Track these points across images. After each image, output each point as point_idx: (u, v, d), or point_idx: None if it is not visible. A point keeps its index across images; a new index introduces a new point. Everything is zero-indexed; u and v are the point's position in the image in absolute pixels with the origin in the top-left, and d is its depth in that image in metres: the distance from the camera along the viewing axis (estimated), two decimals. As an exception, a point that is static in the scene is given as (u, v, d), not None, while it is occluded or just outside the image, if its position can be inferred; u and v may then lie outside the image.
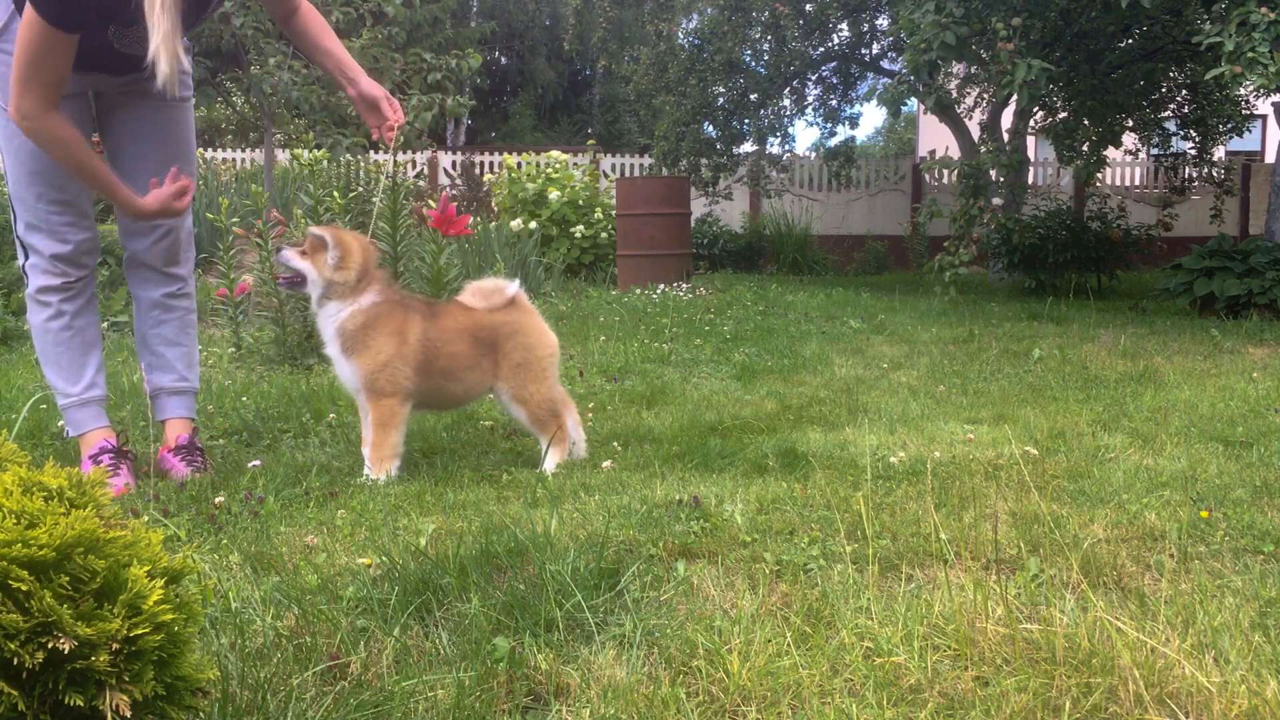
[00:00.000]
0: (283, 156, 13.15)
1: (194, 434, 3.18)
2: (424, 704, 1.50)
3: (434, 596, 1.89)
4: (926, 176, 15.22)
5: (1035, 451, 3.17)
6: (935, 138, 18.25)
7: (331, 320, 3.02)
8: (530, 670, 1.60)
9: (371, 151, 10.60)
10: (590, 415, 3.86)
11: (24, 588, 1.07)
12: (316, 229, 3.06)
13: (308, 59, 3.16)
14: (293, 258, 3.06)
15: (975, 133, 12.46)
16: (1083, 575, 2.00)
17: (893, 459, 3.06)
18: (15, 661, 1.07)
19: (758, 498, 2.63)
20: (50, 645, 1.07)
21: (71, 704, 1.08)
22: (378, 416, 2.99)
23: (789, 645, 1.64)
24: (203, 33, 9.06)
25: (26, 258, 3.02)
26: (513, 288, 3.19)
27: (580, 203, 11.50)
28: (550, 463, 3.06)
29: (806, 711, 1.47)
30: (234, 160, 15.57)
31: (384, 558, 2.12)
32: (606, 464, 3.04)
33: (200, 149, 14.60)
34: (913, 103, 15.74)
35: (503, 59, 27.80)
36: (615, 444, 3.34)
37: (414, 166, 15.53)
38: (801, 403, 4.11)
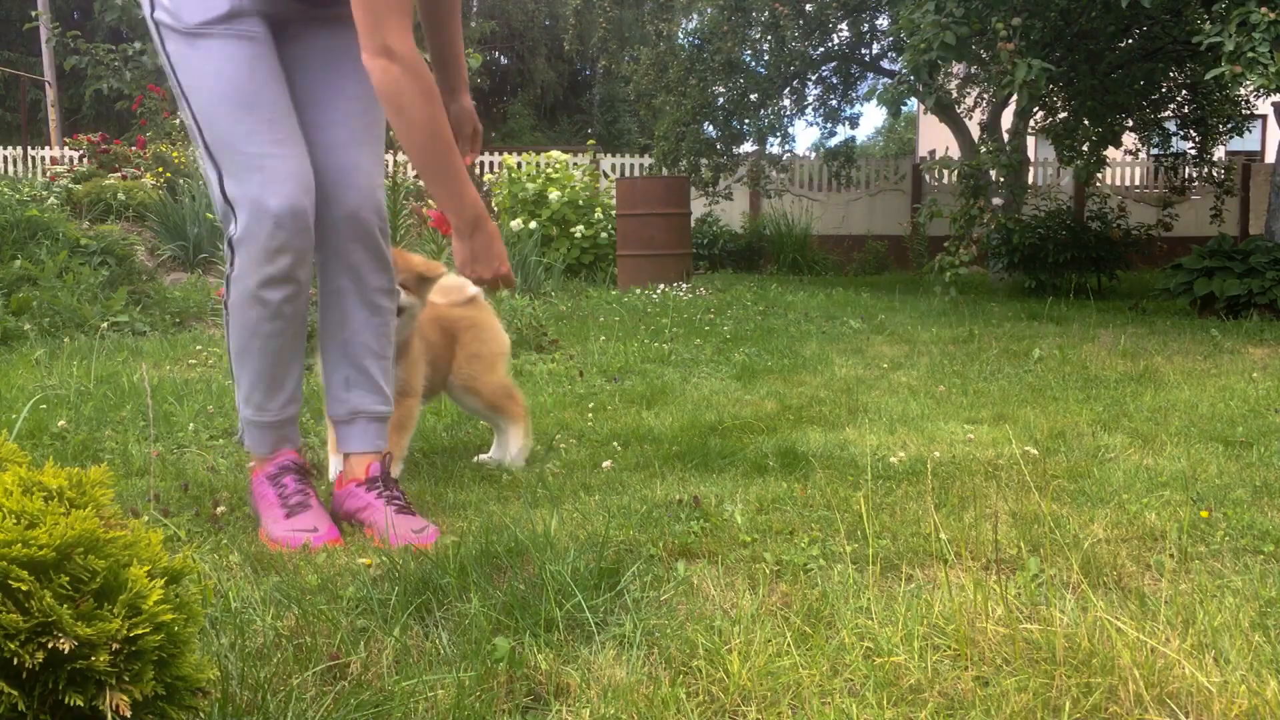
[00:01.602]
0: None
1: (388, 460, 2.60)
2: (424, 704, 1.50)
3: (434, 596, 1.89)
4: (926, 176, 15.21)
5: (1035, 451, 3.17)
6: (935, 138, 18.26)
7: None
8: (530, 670, 1.60)
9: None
10: (590, 415, 3.86)
11: (24, 588, 1.07)
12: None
13: (432, 44, 2.70)
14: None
15: (975, 133, 12.47)
16: (1083, 575, 2.00)
17: (893, 459, 3.06)
18: (15, 661, 1.07)
19: (758, 498, 2.63)
20: (50, 645, 1.07)
21: (71, 704, 1.08)
22: (400, 418, 2.89)
23: (789, 645, 1.64)
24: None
25: (233, 227, 2.29)
26: (474, 289, 3.17)
27: (580, 203, 11.50)
28: (516, 447, 3.08)
29: (806, 711, 1.47)
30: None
31: (384, 558, 2.12)
32: (606, 464, 3.04)
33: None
34: (913, 103, 15.77)
35: (502, 59, 27.80)
36: (615, 444, 3.34)
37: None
38: (802, 403, 4.11)
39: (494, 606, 1.82)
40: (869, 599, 1.84)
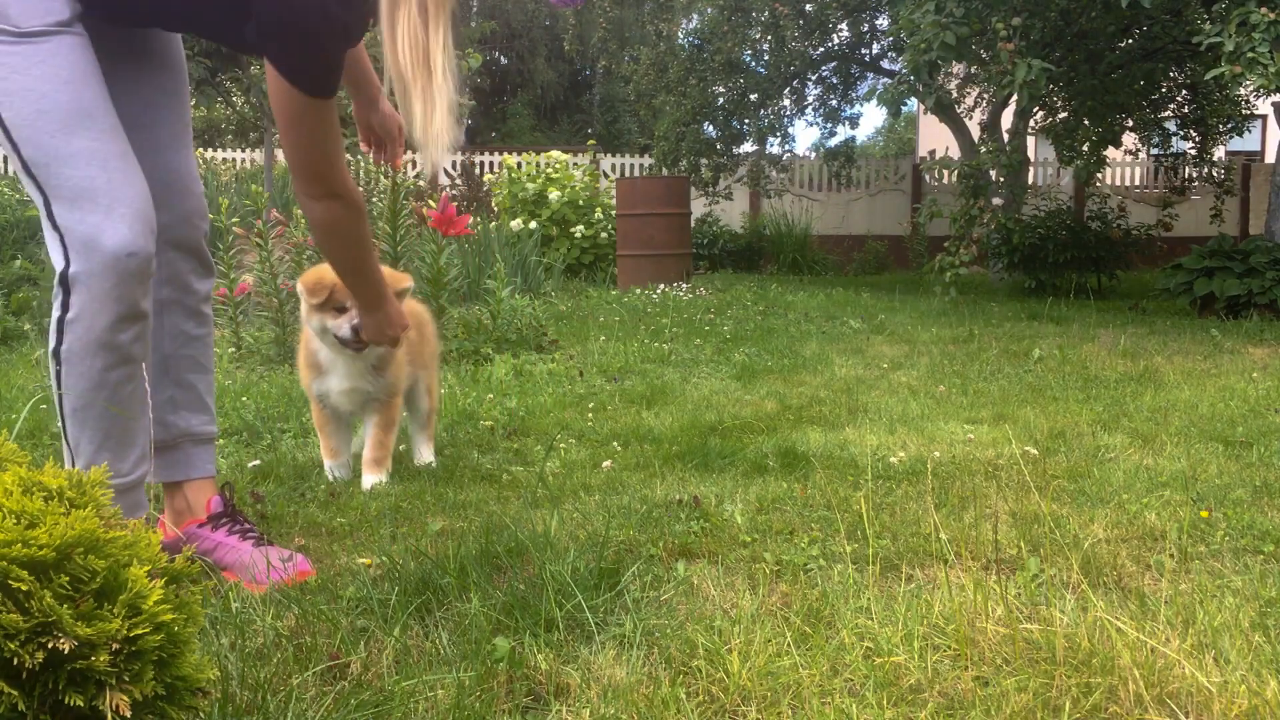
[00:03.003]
0: (282, 156, 13.14)
1: (229, 492, 2.35)
2: (424, 704, 1.50)
3: (434, 596, 1.89)
4: (926, 176, 15.21)
5: (1035, 451, 3.17)
6: (935, 138, 18.26)
7: (370, 356, 2.90)
8: (530, 670, 1.60)
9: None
10: (590, 415, 3.86)
11: (24, 588, 1.07)
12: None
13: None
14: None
15: (975, 133, 12.47)
16: (1083, 575, 2.00)
17: (893, 459, 3.06)
18: (15, 661, 1.07)
19: (758, 498, 2.63)
20: (50, 645, 1.07)
21: (71, 704, 1.08)
22: (390, 418, 3.01)
23: (789, 645, 1.64)
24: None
25: (65, 260, 1.92)
26: (408, 281, 3.05)
27: (580, 203, 11.50)
28: (430, 453, 3.23)
29: (806, 711, 1.47)
30: (234, 160, 15.57)
31: (384, 558, 2.12)
32: (606, 464, 3.04)
33: (200, 149, 14.60)
34: (913, 103, 15.77)
35: (502, 59, 27.80)
36: (615, 444, 3.34)
37: (414, 166, 15.54)
38: (801, 403, 4.11)
39: (494, 606, 1.82)
40: (869, 599, 1.84)
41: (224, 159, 15.53)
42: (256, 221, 5.47)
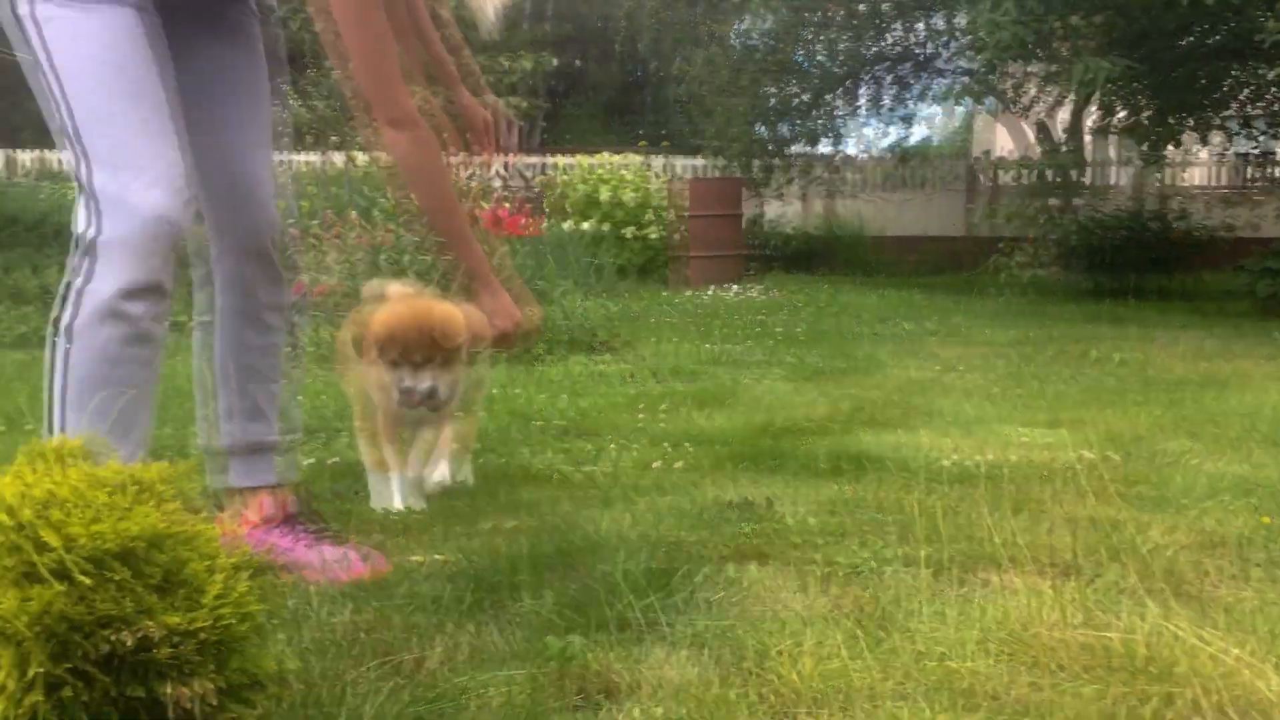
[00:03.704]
0: (339, 159, 13.29)
1: (304, 493, 2.33)
2: (479, 700, 1.51)
3: (489, 595, 1.91)
4: (981, 176, 15.04)
5: (1093, 455, 3.12)
6: (999, 137, 18.05)
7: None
8: (584, 669, 1.61)
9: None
10: (645, 416, 3.87)
11: (89, 581, 1.10)
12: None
13: (408, 51, 2.46)
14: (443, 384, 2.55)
15: (1041, 132, 12.30)
16: (1144, 581, 1.97)
17: (949, 462, 3.03)
18: (80, 653, 1.10)
19: (815, 500, 2.62)
20: (114, 637, 1.09)
21: (134, 695, 1.11)
22: (447, 419, 2.80)
23: (844, 648, 1.64)
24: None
25: (96, 226, 1.84)
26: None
27: (644, 203, 11.51)
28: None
29: (860, 715, 1.46)
30: (290, 163, 15.79)
31: (440, 556, 2.14)
32: (660, 465, 3.05)
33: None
34: (970, 102, 15.60)
35: (566, 62, 27.90)
36: (670, 445, 3.34)
37: (466, 169, 15.63)
38: (857, 405, 4.09)
39: (549, 605, 1.83)
40: (924, 603, 1.83)
41: (280, 161, 15.73)
42: (312, 223, 5.55)
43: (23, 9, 1.88)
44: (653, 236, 11.35)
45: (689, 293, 9.52)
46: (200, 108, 2.13)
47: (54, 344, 1.86)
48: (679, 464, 3.08)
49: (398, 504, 2.61)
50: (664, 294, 9.55)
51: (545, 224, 10.36)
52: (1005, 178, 14.17)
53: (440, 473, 2.82)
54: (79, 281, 1.85)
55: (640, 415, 3.89)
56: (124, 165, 1.86)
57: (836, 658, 1.61)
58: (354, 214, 5.65)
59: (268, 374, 2.28)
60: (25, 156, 14.95)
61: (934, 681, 1.53)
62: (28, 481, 1.17)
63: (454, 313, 2.48)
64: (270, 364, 2.28)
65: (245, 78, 2.23)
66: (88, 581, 1.09)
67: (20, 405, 3.98)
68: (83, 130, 1.88)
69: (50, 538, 1.11)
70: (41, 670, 1.07)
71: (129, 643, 1.09)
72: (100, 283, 1.84)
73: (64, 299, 1.86)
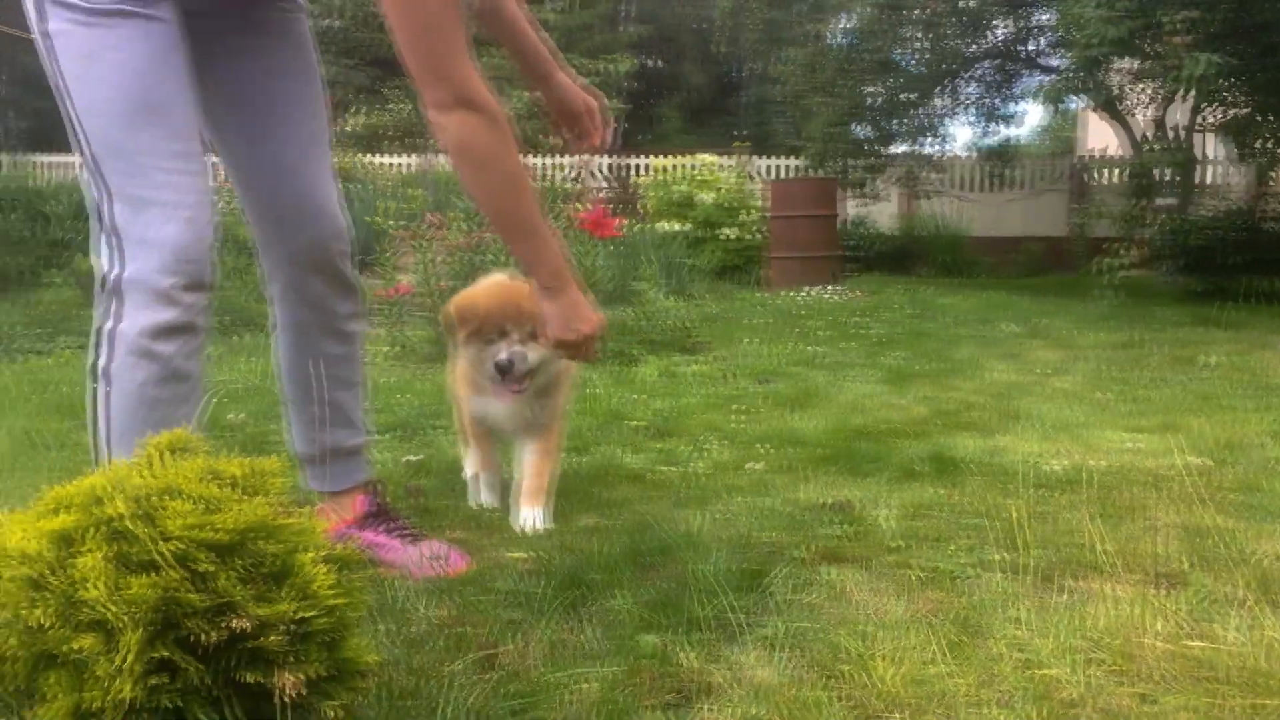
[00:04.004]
0: (442, 161, 13.51)
1: (382, 490, 2.37)
2: (572, 696, 1.53)
3: (583, 592, 1.93)
4: (1085, 176, 14.67)
5: (1203, 462, 3.03)
6: (1100, 136, 17.58)
7: (540, 380, 2.53)
8: (676, 668, 1.62)
9: (524, 155, 10.76)
10: (737, 417, 3.86)
11: (206, 569, 1.14)
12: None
13: (502, 43, 2.34)
14: (534, 355, 2.45)
15: (1143, 130, 11.95)
16: (1256, 592, 1.91)
17: (1049, 467, 2.97)
18: (195, 638, 1.14)
19: (907, 503, 2.59)
20: (229, 624, 1.13)
21: (247, 681, 1.15)
22: (551, 445, 2.61)
23: (939, 653, 1.62)
24: (368, 41, 9.41)
25: (120, 265, 1.80)
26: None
27: (729, 204, 11.50)
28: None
29: (956, 721, 1.44)
30: (395, 165, 16.09)
31: (534, 552, 2.17)
32: (753, 466, 3.04)
33: (361, 153, 15.12)
34: (1075, 100, 15.24)
35: (654, 63, 27.97)
36: (762, 446, 3.34)
37: (573, 169, 15.76)
38: (954, 407, 4.03)
39: (641, 603, 1.84)
40: (1023, 610, 1.80)
41: (386, 163, 16.05)
42: (415, 224, 5.66)
43: (39, 25, 1.81)
44: (748, 237, 11.32)
45: (784, 293, 9.47)
46: (248, 118, 2.07)
47: (93, 389, 1.84)
48: (772, 465, 3.07)
49: (485, 499, 2.67)
50: (758, 295, 9.52)
51: (639, 224, 10.40)
52: (1109, 177, 13.83)
53: (532, 517, 2.49)
54: (109, 324, 1.81)
55: (734, 416, 3.88)
56: (144, 201, 1.79)
57: (933, 663, 1.59)
58: (433, 215, 5.75)
59: (353, 379, 2.29)
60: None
61: (1037, 691, 1.51)
62: (148, 473, 1.22)
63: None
64: (353, 370, 2.28)
65: (295, 82, 2.12)
66: (205, 569, 1.14)
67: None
68: (101, 162, 1.81)
69: (170, 526, 1.15)
70: (161, 654, 1.11)
71: (243, 629, 1.12)
72: (128, 324, 1.80)
73: (96, 343, 1.83)
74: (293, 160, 2.09)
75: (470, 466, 2.73)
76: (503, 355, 2.42)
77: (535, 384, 2.49)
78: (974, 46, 13.68)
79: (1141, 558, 2.11)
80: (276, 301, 2.20)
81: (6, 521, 1.23)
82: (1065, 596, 1.92)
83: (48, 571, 1.14)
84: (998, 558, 2.13)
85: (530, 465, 2.54)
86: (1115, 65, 12.37)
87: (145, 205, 1.79)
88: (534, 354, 2.44)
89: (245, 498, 1.24)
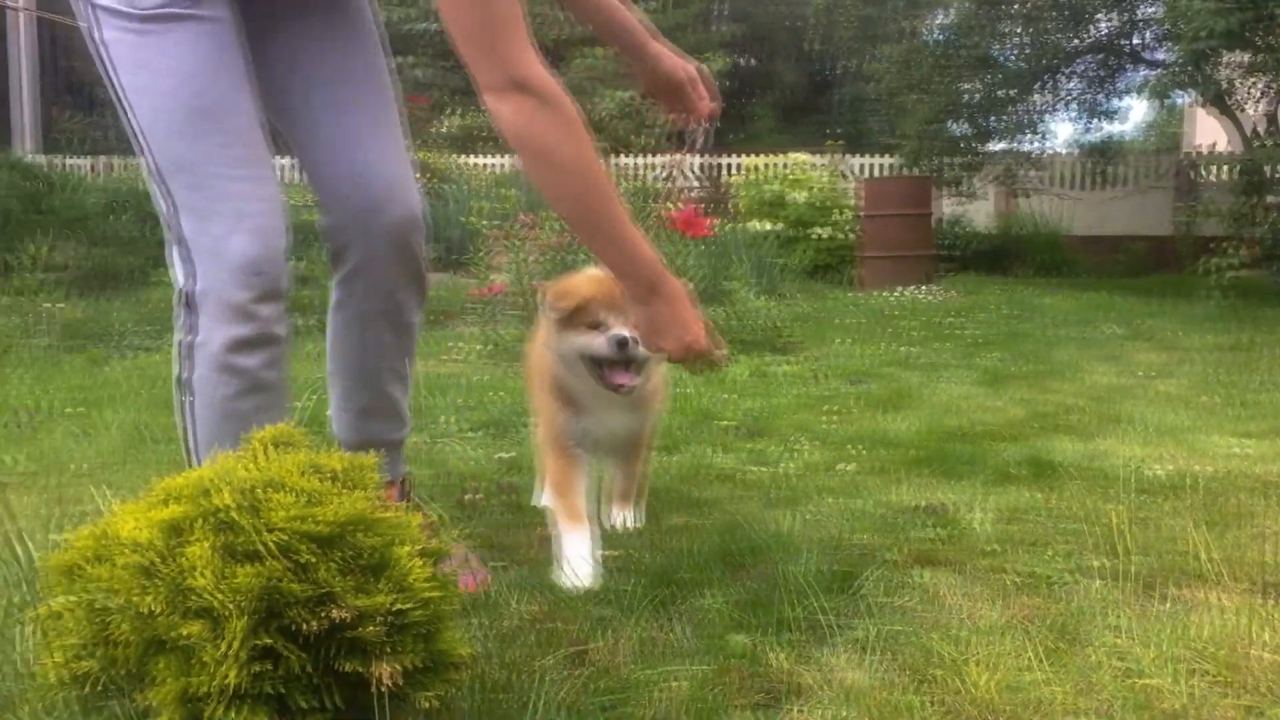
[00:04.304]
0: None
1: (407, 486, 2.30)
2: (662, 694, 1.53)
3: (673, 590, 1.93)
4: (1192, 173, 14.22)
5: (1316, 469, 2.92)
6: (1208, 131, 17.04)
7: (644, 387, 2.18)
8: (766, 668, 1.62)
9: (616, 156, 10.83)
10: (829, 417, 3.83)
11: (307, 560, 1.17)
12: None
13: (588, 22, 2.22)
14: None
15: (1254, 125, 11.54)
16: (1370, 605, 1.84)
17: (1153, 471, 2.89)
18: (295, 627, 1.17)
19: (1003, 506, 2.54)
20: (329, 614, 1.16)
21: (346, 670, 1.18)
22: (641, 451, 2.41)
23: (1035, 660, 1.59)
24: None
25: (193, 278, 1.77)
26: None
27: (822, 204, 11.41)
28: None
29: (1052, 729, 1.42)
30: (489, 165, 16.29)
31: (625, 550, 2.18)
32: (845, 467, 3.02)
33: (456, 154, 15.33)
34: (1183, 95, 14.80)
35: (747, 61, 27.87)
36: (854, 447, 3.30)
37: (665, 169, 15.78)
38: (1052, 410, 3.94)
39: (731, 603, 1.84)
40: (1123, 617, 1.76)
41: (480, 164, 16.26)
42: (508, 224, 5.73)
43: (94, 34, 1.77)
44: (840, 237, 11.22)
45: (877, 293, 9.37)
46: (313, 92, 1.98)
47: (179, 399, 1.83)
48: (864, 466, 3.04)
49: (587, 574, 2.02)
50: (850, 295, 9.43)
51: (731, 224, 10.37)
52: (1217, 174, 13.38)
53: (622, 516, 2.42)
54: (188, 337, 1.79)
55: (825, 416, 3.85)
56: (212, 212, 1.75)
57: (1029, 670, 1.56)
58: (525, 215, 5.81)
59: (404, 372, 2.19)
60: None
61: (1137, 701, 1.47)
62: (253, 466, 1.26)
63: None
64: (406, 363, 2.17)
65: (357, 57, 2.02)
66: (307, 560, 1.17)
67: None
68: (165, 174, 1.77)
69: (274, 518, 1.19)
70: (265, 642, 1.15)
71: (342, 619, 1.15)
72: (207, 336, 1.77)
73: (179, 355, 1.81)
74: (369, 139, 2.01)
75: (569, 519, 2.13)
76: (624, 332, 2.01)
77: (638, 389, 2.14)
78: (1076, 41, 13.35)
79: (1248, 566, 2.05)
80: (340, 286, 2.09)
81: (119, 511, 1.28)
82: (1168, 605, 1.87)
83: (158, 560, 1.19)
84: (1097, 564, 2.08)
85: (622, 468, 2.40)
86: (1225, 59, 11.98)
87: (211, 217, 1.76)
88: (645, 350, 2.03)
89: (345, 491, 1.27)
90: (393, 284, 2.06)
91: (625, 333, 2.01)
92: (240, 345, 1.76)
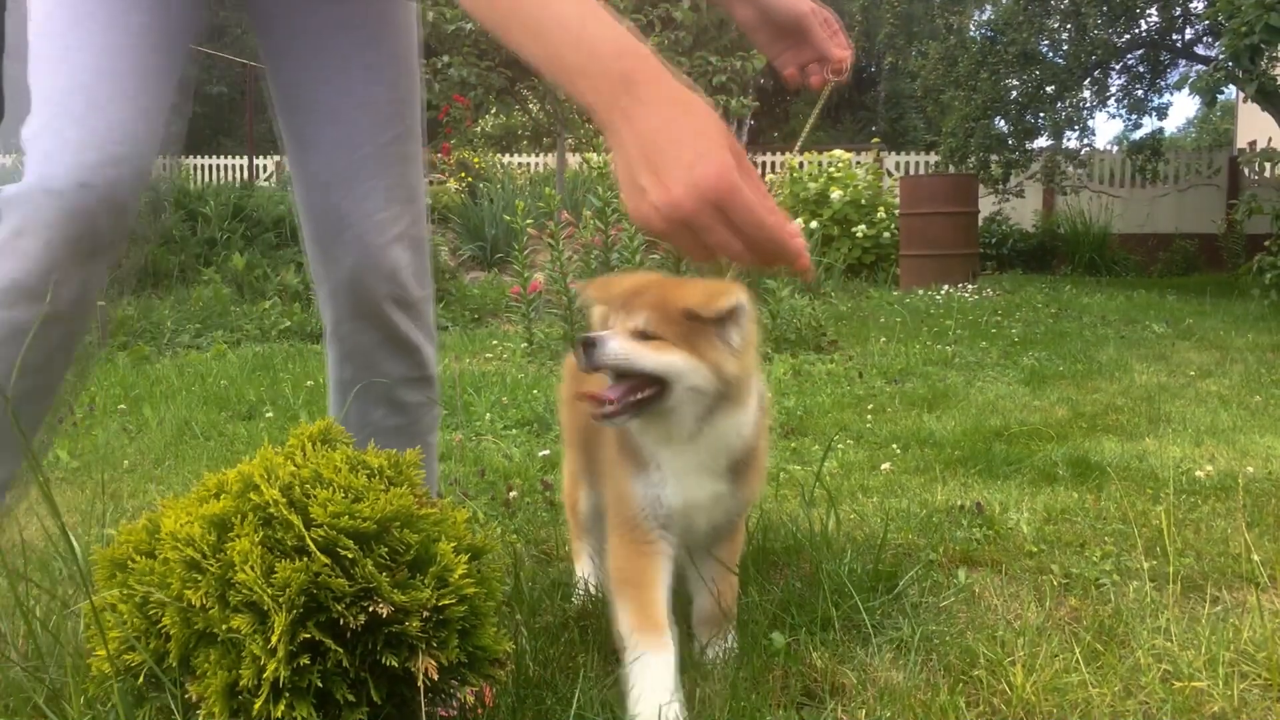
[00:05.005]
0: (574, 160, 13.70)
1: None
2: (713, 691, 1.53)
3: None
4: (1245, 170, 14.00)
5: (1368, 471, 2.87)
6: (1257, 128, 16.76)
7: (730, 436, 1.50)
8: (806, 667, 1.61)
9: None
10: (869, 416, 3.81)
11: (350, 555, 1.19)
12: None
13: None
14: (642, 354, 1.39)
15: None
16: None
17: (1199, 472, 2.85)
18: (339, 622, 1.19)
19: (1046, 507, 2.52)
20: (370, 609, 1.18)
21: (387, 664, 1.19)
22: (738, 545, 1.73)
23: (1078, 661, 1.58)
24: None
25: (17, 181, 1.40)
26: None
27: (862, 202, 11.35)
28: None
29: (1095, 732, 1.40)
30: (528, 165, 16.35)
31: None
32: (885, 466, 3.00)
33: (497, 154, 15.39)
34: (1230, 90, 14.58)
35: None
36: (894, 446, 3.29)
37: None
38: (1096, 410, 3.90)
39: (771, 602, 1.84)
40: (1168, 619, 1.74)
41: (519, 163, 16.33)
42: (548, 223, 5.74)
43: None
44: (885, 236, 11.16)
45: (918, 292, 9.30)
46: (305, 116, 1.69)
47: None
48: (905, 465, 3.03)
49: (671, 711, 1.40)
50: (891, 293, 9.37)
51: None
52: (1269, 171, 13.17)
53: (723, 649, 1.69)
54: None
55: (868, 415, 3.84)
56: (63, 106, 1.42)
57: (1073, 672, 1.55)
58: (565, 214, 5.82)
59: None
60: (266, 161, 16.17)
61: (1181, 704, 1.45)
62: (297, 462, 1.27)
63: None
64: (404, 445, 1.57)
65: (366, 83, 1.69)
66: (349, 555, 1.18)
67: (285, 392, 4.30)
68: (34, 70, 1.46)
69: (317, 514, 1.20)
70: (308, 636, 1.16)
71: (385, 614, 1.17)
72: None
73: None
74: (344, 170, 1.67)
75: (647, 634, 1.48)
76: (595, 333, 1.41)
77: (743, 446, 1.53)
78: (1122, 36, 13.19)
79: (1298, 569, 2.02)
80: (333, 354, 1.80)
81: (167, 506, 1.30)
82: (1214, 607, 1.85)
83: (204, 554, 1.20)
84: (1141, 565, 2.06)
85: (716, 575, 1.68)
86: (1276, 53, 11.77)
87: (56, 120, 1.44)
88: (651, 358, 1.39)
89: (387, 488, 1.28)
90: (367, 348, 1.75)
91: (594, 333, 1.41)
92: (7, 291, 1.40)
